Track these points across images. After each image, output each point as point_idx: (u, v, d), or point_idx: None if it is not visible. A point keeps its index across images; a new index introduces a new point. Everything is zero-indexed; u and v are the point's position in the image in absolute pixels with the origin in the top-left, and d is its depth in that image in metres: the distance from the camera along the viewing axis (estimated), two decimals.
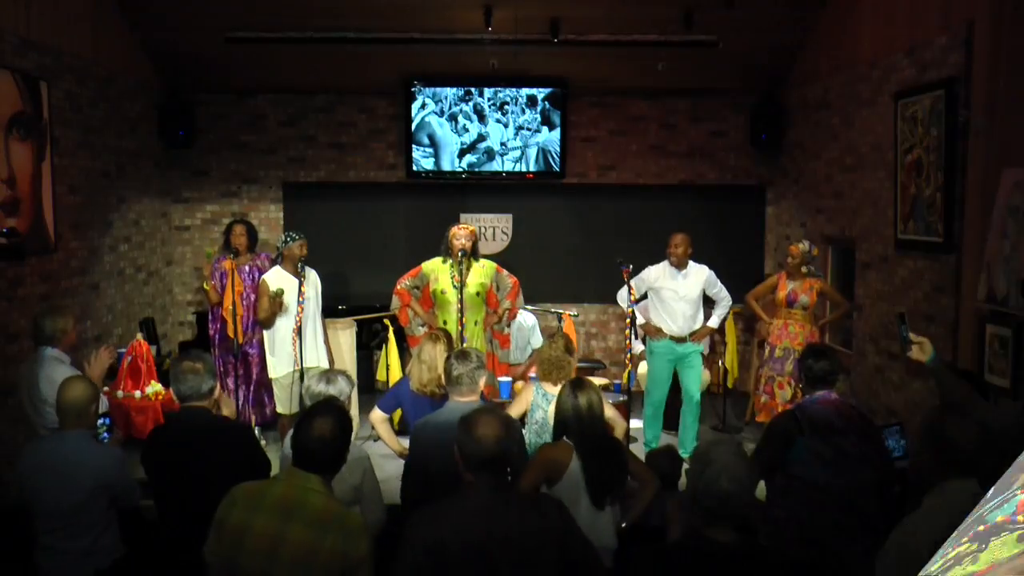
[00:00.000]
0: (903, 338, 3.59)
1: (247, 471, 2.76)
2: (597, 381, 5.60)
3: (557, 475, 3.75)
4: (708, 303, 6.62)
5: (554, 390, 4.52)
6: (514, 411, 4.66)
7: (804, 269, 6.61)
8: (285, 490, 2.67)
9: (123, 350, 6.36)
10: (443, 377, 4.32)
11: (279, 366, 6.13)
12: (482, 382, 4.01)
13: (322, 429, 2.69)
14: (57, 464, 3.57)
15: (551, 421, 4.39)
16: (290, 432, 2.95)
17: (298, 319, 5.97)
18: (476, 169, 8.53)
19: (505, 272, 6.47)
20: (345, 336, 7.08)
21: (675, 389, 6.69)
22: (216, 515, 2.71)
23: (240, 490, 2.73)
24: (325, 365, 5.98)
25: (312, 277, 6.22)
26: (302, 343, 5.97)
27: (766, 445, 3.91)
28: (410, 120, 8.42)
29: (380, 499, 3.72)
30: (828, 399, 3.88)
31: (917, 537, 2.42)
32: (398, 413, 6.76)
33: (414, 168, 8.49)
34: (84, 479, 3.56)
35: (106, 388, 5.34)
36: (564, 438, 3.86)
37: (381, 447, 6.71)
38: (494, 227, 8.88)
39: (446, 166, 8.51)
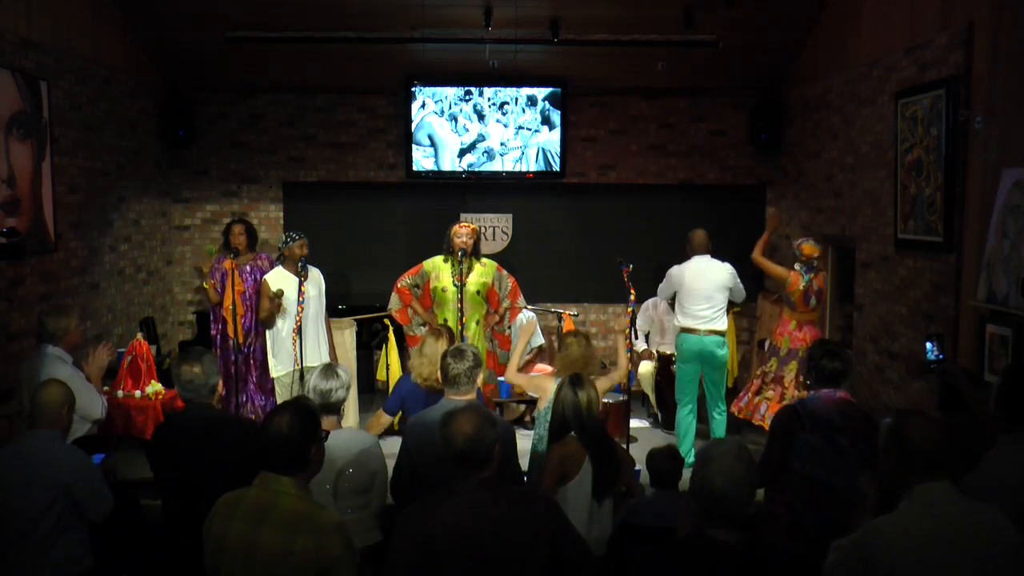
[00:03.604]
0: (931, 360, 3.62)
1: (254, 468, 2.76)
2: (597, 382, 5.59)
3: (574, 471, 3.78)
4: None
5: None
6: (542, 404, 4.66)
7: (815, 263, 6.38)
8: (258, 495, 2.68)
9: (123, 350, 6.37)
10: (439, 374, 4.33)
11: (280, 365, 6.14)
12: (479, 380, 4.02)
13: (279, 426, 2.70)
14: (23, 464, 3.46)
15: None
16: None
17: (298, 319, 5.97)
18: (476, 169, 8.53)
19: (505, 272, 6.48)
20: (345, 336, 7.09)
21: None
22: (203, 527, 2.74)
23: (221, 500, 2.76)
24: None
25: (315, 276, 6.22)
26: (302, 342, 5.97)
27: (771, 444, 3.91)
28: (410, 120, 8.42)
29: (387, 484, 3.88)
30: (832, 397, 3.87)
31: (876, 540, 2.43)
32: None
33: (414, 168, 8.49)
34: (47, 478, 3.45)
35: (106, 388, 5.34)
36: (572, 434, 3.88)
37: (382, 447, 6.71)
38: (494, 227, 8.88)
39: (446, 166, 8.51)
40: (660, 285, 6.70)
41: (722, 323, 6.39)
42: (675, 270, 6.51)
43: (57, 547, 3.49)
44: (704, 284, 6.35)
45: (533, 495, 2.89)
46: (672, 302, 6.89)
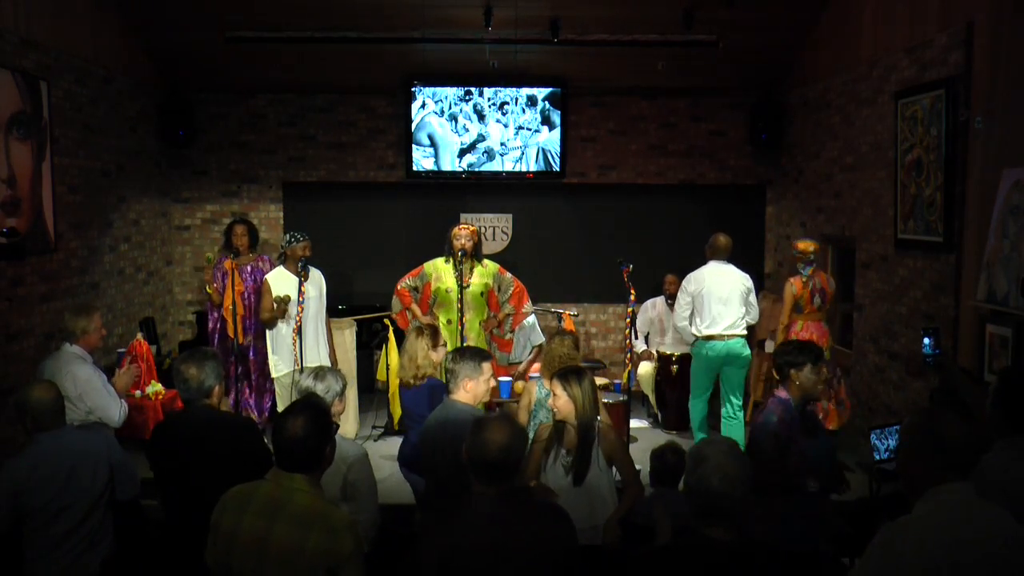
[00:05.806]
0: (929, 355, 3.62)
1: (252, 466, 2.76)
2: (597, 381, 5.60)
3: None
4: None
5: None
6: (523, 416, 4.64)
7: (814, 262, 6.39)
8: (271, 490, 2.68)
9: (123, 350, 6.38)
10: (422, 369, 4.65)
11: (280, 365, 6.14)
12: (470, 385, 3.95)
13: (294, 428, 2.69)
14: (74, 455, 3.61)
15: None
16: None
17: (298, 319, 5.97)
18: (476, 169, 8.53)
19: (508, 275, 6.46)
20: (345, 336, 7.09)
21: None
22: (211, 519, 2.74)
23: (231, 493, 2.76)
24: (326, 364, 5.99)
25: (316, 276, 6.22)
26: (302, 343, 5.97)
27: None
28: (410, 120, 8.42)
29: (373, 498, 3.62)
30: None
31: (904, 540, 2.38)
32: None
33: (414, 168, 8.49)
34: (98, 464, 3.67)
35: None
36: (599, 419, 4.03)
37: (382, 447, 6.73)
38: (494, 227, 8.88)
39: (446, 166, 8.51)
40: (677, 310, 6.48)
41: (743, 327, 6.34)
42: (693, 275, 6.38)
43: (108, 522, 3.74)
44: (726, 288, 6.26)
45: (549, 509, 2.86)
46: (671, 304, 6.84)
